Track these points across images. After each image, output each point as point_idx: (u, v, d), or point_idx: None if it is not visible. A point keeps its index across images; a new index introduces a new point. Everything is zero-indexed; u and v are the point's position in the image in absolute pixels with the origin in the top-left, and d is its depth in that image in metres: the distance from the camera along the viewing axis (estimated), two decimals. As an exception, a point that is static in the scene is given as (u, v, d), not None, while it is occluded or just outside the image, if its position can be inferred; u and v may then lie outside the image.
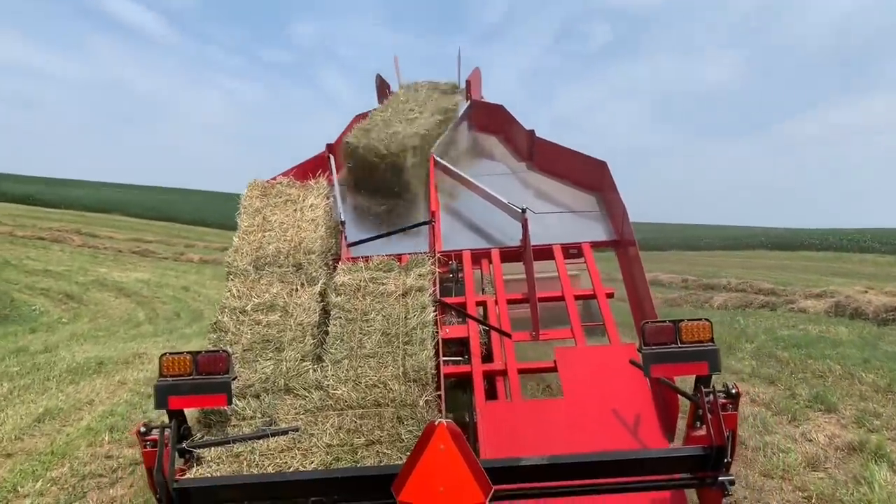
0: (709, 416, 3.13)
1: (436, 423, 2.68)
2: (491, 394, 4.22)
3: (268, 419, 3.67)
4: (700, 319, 3.28)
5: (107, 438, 6.76)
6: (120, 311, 17.47)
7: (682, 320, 3.26)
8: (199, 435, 3.56)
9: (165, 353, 3.23)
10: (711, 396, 3.15)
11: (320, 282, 4.38)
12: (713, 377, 3.27)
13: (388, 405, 3.71)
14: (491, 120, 7.77)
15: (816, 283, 20.42)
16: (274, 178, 5.24)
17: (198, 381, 3.21)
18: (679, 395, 3.60)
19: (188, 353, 3.23)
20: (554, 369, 4.18)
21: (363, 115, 7.60)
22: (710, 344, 3.23)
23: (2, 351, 10.98)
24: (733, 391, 3.19)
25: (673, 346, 3.24)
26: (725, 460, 3.09)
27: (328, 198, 5.07)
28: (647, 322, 3.29)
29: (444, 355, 4.11)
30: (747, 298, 17.90)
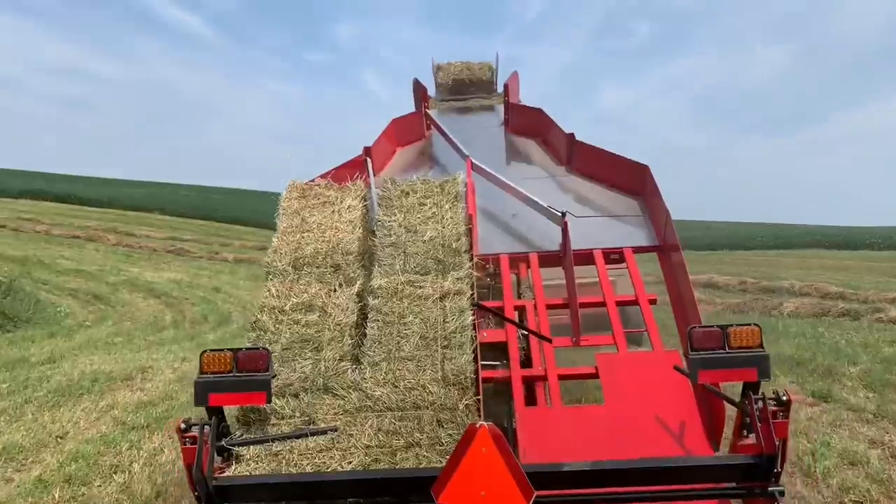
0: (758, 423, 3.06)
1: (478, 425, 2.68)
2: (530, 400, 4.22)
3: (306, 419, 3.72)
4: (749, 325, 3.23)
5: (56, 497, 5.55)
6: (146, 314, 17.40)
7: (731, 325, 3.22)
8: (238, 433, 3.61)
9: (206, 351, 3.28)
10: (761, 403, 3.09)
11: (358, 283, 4.45)
12: (761, 384, 3.18)
13: (427, 408, 3.73)
14: (529, 123, 7.82)
15: (888, 287, 18.79)
16: (312, 181, 5.31)
17: (238, 378, 3.24)
18: (725, 404, 3.56)
19: (229, 350, 3.27)
20: (595, 376, 4.17)
21: (400, 119, 7.79)
22: (760, 350, 3.18)
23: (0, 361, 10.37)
24: (784, 398, 3.09)
25: (721, 351, 3.19)
26: (776, 470, 3.03)
27: (365, 199, 5.13)
28: (695, 327, 3.26)
29: (482, 360, 4.13)
30: (823, 305, 16.39)
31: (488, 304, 4.76)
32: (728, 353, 3.19)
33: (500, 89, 9.65)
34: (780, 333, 12.52)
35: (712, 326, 3.26)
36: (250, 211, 47.96)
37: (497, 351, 4.49)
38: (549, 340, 4.37)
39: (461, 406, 3.73)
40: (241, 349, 3.29)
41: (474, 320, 4.15)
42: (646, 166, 5.59)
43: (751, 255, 39.66)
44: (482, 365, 4.12)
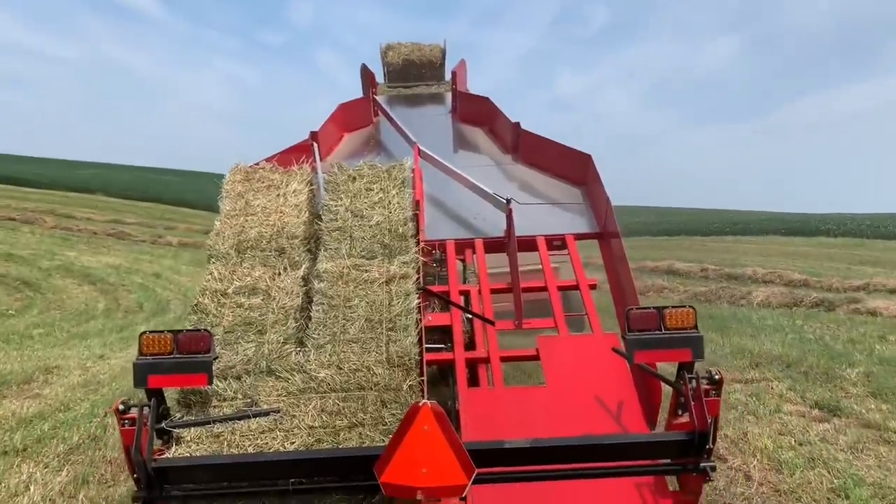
0: (692, 402, 3.20)
1: (420, 404, 2.74)
2: (473, 381, 4.33)
3: (249, 401, 3.73)
4: (684, 306, 3.36)
5: None
6: (78, 302, 16.70)
7: (667, 307, 3.33)
8: (178, 415, 3.61)
9: (145, 332, 3.28)
10: (694, 383, 3.22)
11: (303, 266, 4.49)
12: (695, 364, 3.32)
13: (371, 389, 3.80)
14: (476, 112, 8.00)
15: (848, 274, 18.56)
16: (257, 164, 5.32)
17: (178, 359, 3.23)
18: (662, 383, 3.71)
19: (169, 331, 3.26)
20: (536, 358, 4.31)
21: (347, 105, 7.98)
22: (694, 331, 3.31)
23: None
24: (716, 377, 3.25)
25: (657, 332, 3.30)
26: (707, 446, 3.17)
27: (312, 184, 5.17)
28: (632, 308, 3.38)
29: (427, 343, 4.23)
30: (795, 295, 15.73)
31: (434, 288, 4.90)
32: (664, 333, 3.30)
33: (448, 77, 9.80)
34: (757, 327, 12.13)
35: (648, 308, 3.37)
36: (199, 193, 46.40)
37: (442, 334, 4.63)
38: (492, 323, 4.49)
39: (405, 387, 3.80)
40: (181, 330, 3.29)
41: (419, 304, 4.23)
42: (588, 156, 5.78)
43: (709, 240, 39.83)
44: (427, 348, 4.20)
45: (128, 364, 8.97)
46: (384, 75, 10.61)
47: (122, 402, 3.08)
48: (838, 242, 35.62)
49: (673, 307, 3.35)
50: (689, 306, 3.36)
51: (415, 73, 10.40)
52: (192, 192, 49.07)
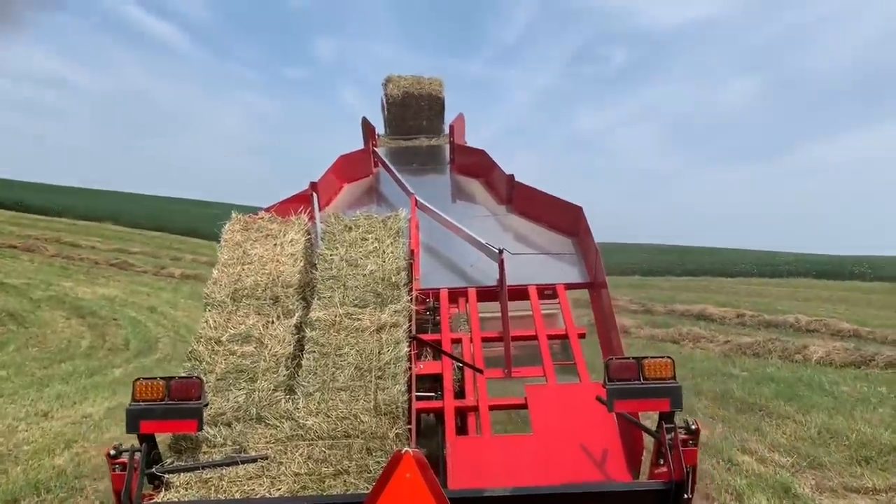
0: (669, 452, 3.32)
1: (402, 452, 2.85)
2: (462, 429, 4.45)
3: (238, 447, 3.87)
4: (663, 357, 3.48)
5: None
6: (61, 338, 16.06)
7: (646, 357, 3.46)
8: (169, 460, 3.75)
9: (139, 378, 3.44)
10: (672, 433, 3.35)
11: (296, 314, 4.65)
12: (675, 414, 3.45)
13: (357, 437, 3.93)
14: (473, 164, 8.30)
15: (901, 324, 16.86)
16: (256, 214, 5.49)
17: (170, 406, 3.37)
18: (644, 433, 3.82)
19: (161, 378, 3.42)
20: (524, 406, 4.41)
21: (347, 156, 8.25)
22: (673, 381, 3.43)
23: None
24: (693, 427, 3.40)
25: (636, 382, 3.42)
26: (685, 496, 3.26)
27: (309, 233, 5.36)
28: (612, 358, 3.52)
29: (417, 391, 4.37)
30: (862, 353, 13.13)
31: (426, 336, 5.07)
32: (642, 384, 3.44)
33: (446, 129, 10.26)
34: (834, 396, 10.05)
35: (628, 358, 3.53)
36: (212, 223, 45.19)
37: (433, 382, 4.73)
38: (481, 371, 4.63)
39: (391, 435, 3.94)
40: (174, 377, 3.46)
41: (409, 352, 4.39)
42: (579, 207, 6.01)
43: (735, 282, 38.27)
44: (417, 396, 4.36)
45: (65, 429, 7.58)
46: (383, 107, 10.96)
47: (115, 447, 3.26)
48: (875, 287, 33.79)
49: (652, 357, 3.49)
50: (668, 357, 3.51)
51: (414, 106, 10.74)
52: (206, 222, 48.05)
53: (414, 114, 10.86)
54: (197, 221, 49.20)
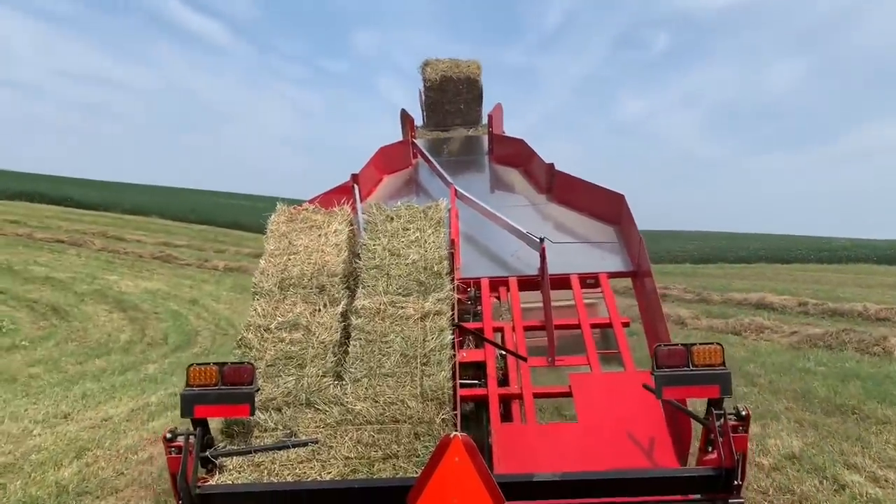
0: (719, 438, 3.30)
1: (451, 436, 2.88)
2: (506, 417, 4.47)
3: (288, 431, 3.98)
4: (711, 343, 3.46)
5: None
6: (102, 332, 15.90)
7: (695, 344, 3.46)
8: (222, 444, 3.86)
9: (193, 364, 3.55)
10: (722, 419, 3.33)
11: (342, 303, 4.74)
12: (724, 401, 3.44)
13: (405, 422, 3.99)
14: (512, 153, 8.34)
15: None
16: (300, 205, 5.60)
17: (223, 391, 3.48)
18: (692, 420, 3.80)
19: (215, 363, 3.53)
20: (569, 394, 4.41)
21: (387, 148, 8.34)
22: (722, 368, 3.41)
23: None
24: (743, 413, 3.36)
25: (685, 368, 3.41)
26: (735, 482, 3.24)
27: (352, 224, 5.48)
28: (660, 345, 3.51)
29: (461, 378, 4.44)
30: None
31: (469, 325, 5.10)
32: (692, 370, 3.41)
33: (484, 119, 10.34)
34: None
35: (677, 345, 3.50)
36: (257, 216, 45.41)
37: (476, 370, 4.77)
38: (525, 359, 4.64)
39: (438, 420, 4.00)
40: (226, 363, 3.56)
41: (453, 339, 4.47)
42: (621, 195, 5.95)
43: (791, 269, 37.00)
44: (461, 383, 4.42)
45: (81, 434, 7.16)
46: (421, 96, 10.99)
47: (170, 431, 3.37)
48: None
49: (701, 344, 3.47)
50: (717, 343, 3.48)
51: (452, 90, 10.69)
52: (250, 215, 48.36)
53: (452, 97, 10.85)
54: (241, 214, 49.68)
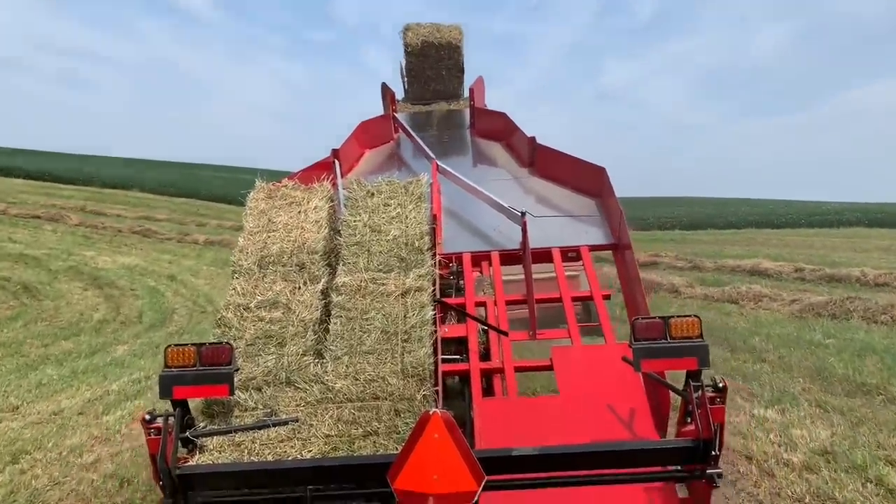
0: (697, 410, 3.35)
1: (430, 412, 2.91)
2: (488, 392, 4.53)
3: (269, 410, 3.98)
4: (689, 316, 3.50)
5: None
6: (75, 310, 15.43)
7: (672, 316, 3.48)
8: (202, 425, 3.86)
9: (170, 345, 3.54)
10: (700, 391, 3.37)
11: (322, 280, 4.75)
12: (702, 372, 3.48)
13: (385, 398, 4.02)
14: (494, 127, 8.34)
15: None
16: (279, 182, 5.58)
17: (201, 371, 3.48)
18: (671, 392, 3.87)
19: (192, 344, 3.53)
20: (550, 368, 4.46)
21: (368, 122, 8.26)
22: (699, 340, 3.45)
23: None
24: (720, 385, 3.40)
25: (663, 341, 3.45)
26: (713, 453, 3.27)
27: (332, 200, 5.46)
28: (638, 318, 3.55)
29: (443, 354, 4.46)
30: None
31: (451, 300, 5.13)
32: (669, 342, 3.44)
33: (466, 92, 10.40)
34: None
35: (654, 318, 3.52)
36: (240, 188, 44.48)
37: (458, 345, 4.81)
38: (506, 334, 4.67)
39: (419, 396, 4.03)
40: (204, 344, 3.54)
41: (434, 315, 4.49)
42: (602, 168, 6.00)
43: (783, 233, 36.76)
44: (443, 359, 4.45)
45: (25, 432, 6.65)
46: (402, 64, 10.94)
47: (149, 413, 3.36)
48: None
49: (678, 316, 3.50)
50: (695, 315, 3.50)
51: (433, 55, 10.63)
52: (233, 187, 47.41)
53: (433, 63, 10.77)
54: (224, 187, 48.66)
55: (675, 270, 20.52)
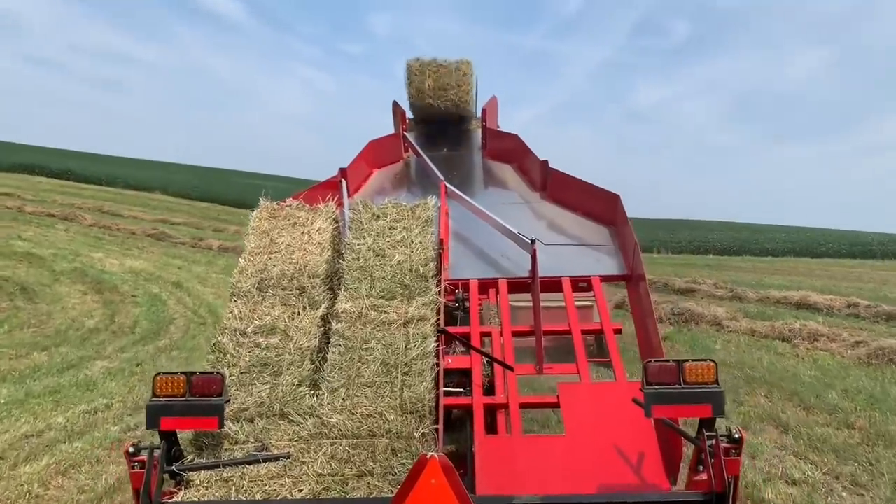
0: (710, 460, 3.26)
1: (427, 456, 2.81)
2: (492, 427, 4.45)
3: (260, 444, 3.89)
4: (704, 360, 3.40)
5: None
6: (69, 316, 14.41)
7: (687, 360, 3.39)
8: (190, 457, 3.81)
9: (159, 374, 3.46)
10: (714, 440, 3.28)
11: (322, 306, 4.67)
12: (717, 421, 3.39)
13: (382, 436, 3.91)
14: (505, 149, 8.19)
15: None
16: (284, 201, 5.53)
17: (191, 402, 3.39)
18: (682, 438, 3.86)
19: (182, 373, 3.45)
20: (557, 405, 4.37)
21: (377, 141, 8.06)
22: (715, 386, 3.35)
23: None
24: (736, 436, 3.31)
25: (676, 386, 3.35)
26: None
27: (337, 221, 5.37)
28: (651, 361, 3.47)
29: (446, 386, 4.40)
30: None
31: (455, 329, 5.01)
32: (683, 388, 3.32)
33: (478, 113, 9.91)
34: None
35: (668, 361, 3.43)
36: (266, 194, 43.96)
37: (462, 377, 4.70)
38: (511, 369, 4.56)
39: (417, 435, 3.93)
40: (195, 372, 3.47)
41: (437, 346, 4.41)
42: (617, 196, 5.87)
43: (824, 263, 35.36)
44: (445, 391, 4.36)
45: None
46: (408, 94, 10.37)
47: (133, 445, 3.28)
48: None
49: (693, 360, 3.39)
50: (710, 360, 3.39)
51: (441, 94, 9.84)
52: (256, 193, 46.89)
53: (440, 105, 9.60)
54: (249, 192, 48.05)
55: (715, 300, 19.31)
